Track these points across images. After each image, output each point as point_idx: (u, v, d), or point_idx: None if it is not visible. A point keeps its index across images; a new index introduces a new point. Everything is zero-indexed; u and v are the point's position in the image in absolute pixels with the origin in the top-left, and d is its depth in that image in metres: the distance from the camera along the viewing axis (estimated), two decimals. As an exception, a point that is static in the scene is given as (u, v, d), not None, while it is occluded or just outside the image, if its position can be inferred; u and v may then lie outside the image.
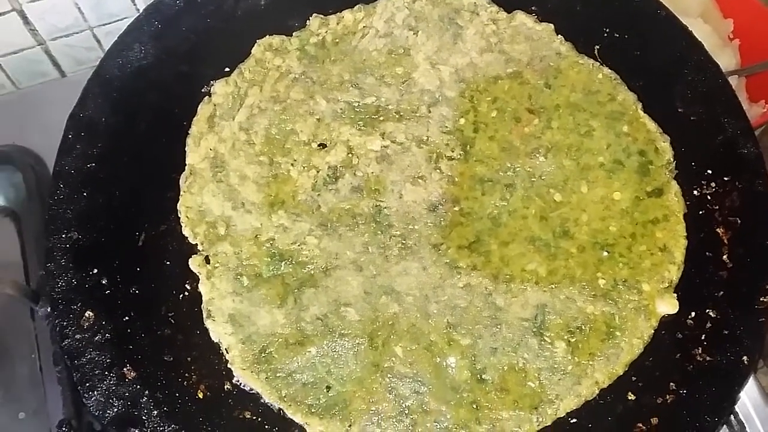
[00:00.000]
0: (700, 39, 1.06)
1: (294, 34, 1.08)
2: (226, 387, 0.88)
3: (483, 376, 0.87)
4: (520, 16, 1.08)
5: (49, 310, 1.02)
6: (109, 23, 1.32)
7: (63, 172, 0.96)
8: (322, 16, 1.09)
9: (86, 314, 0.89)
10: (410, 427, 0.85)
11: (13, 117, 1.28)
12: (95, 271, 0.92)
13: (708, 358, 0.87)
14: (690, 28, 1.07)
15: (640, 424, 0.85)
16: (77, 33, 1.31)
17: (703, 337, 0.88)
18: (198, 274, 0.93)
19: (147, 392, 0.86)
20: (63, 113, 1.13)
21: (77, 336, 0.88)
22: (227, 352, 0.89)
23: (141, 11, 1.09)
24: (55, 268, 0.91)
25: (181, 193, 0.98)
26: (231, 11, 1.09)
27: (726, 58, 1.36)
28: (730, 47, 1.41)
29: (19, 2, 1.22)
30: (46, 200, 1.00)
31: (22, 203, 1.18)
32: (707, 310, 0.89)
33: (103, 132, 0.99)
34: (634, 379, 0.87)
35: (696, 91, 1.00)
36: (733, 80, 1.27)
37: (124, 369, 0.87)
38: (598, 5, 1.08)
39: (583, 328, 0.88)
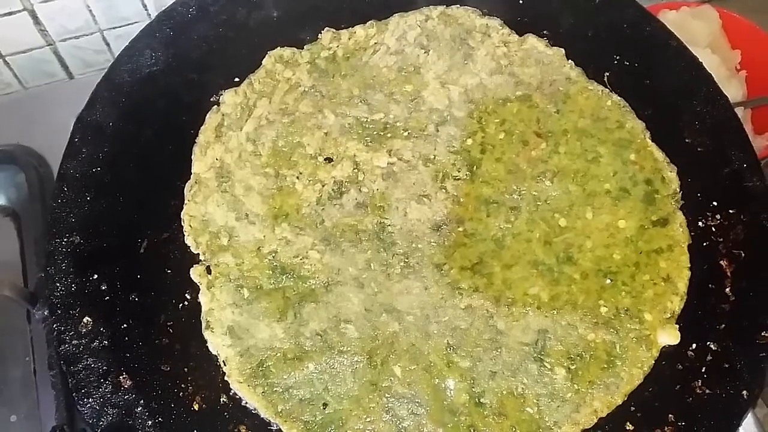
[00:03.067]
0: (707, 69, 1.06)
1: (305, 47, 1.09)
2: (222, 400, 0.87)
3: (481, 400, 0.86)
4: (532, 40, 1.08)
5: (46, 313, 1.01)
6: (120, 27, 1.32)
7: (68, 175, 0.96)
8: (334, 30, 1.09)
9: (84, 320, 0.88)
10: (406, 449, 0.85)
11: (19, 116, 1.28)
12: (95, 276, 0.91)
13: (707, 391, 0.86)
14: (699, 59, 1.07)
15: (638, 455, 0.84)
16: (87, 35, 1.32)
17: (703, 370, 0.88)
18: (198, 284, 0.93)
19: (142, 401, 0.85)
20: (69, 115, 1.13)
21: (74, 341, 0.87)
22: (225, 365, 0.89)
23: (153, 17, 1.09)
24: (56, 271, 0.90)
25: (186, 201, 0.97)
26: (243, 21, 1.09)
27: (733, 90, 1.37)
28: (737, 78, 1.41)
29: (31, 2, 1.22)
30: (49, 203, 1.00)
31: (23, 203, 1.18)
32: (708, 343, 0.89)
33: (109, 137, 0.99)
34: (632, 409, 0.87)
35: (704, 123, 1.00)
36: (738, 111, 1.27)
37: (121, 377, 0.86)
38: (609, 32, 1.08)
39: (584, 355, 0.88)
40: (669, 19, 1.42)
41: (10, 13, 1.23)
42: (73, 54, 1.34)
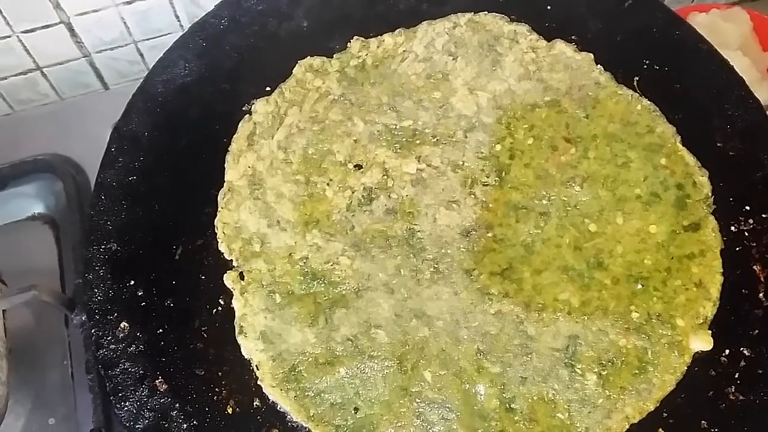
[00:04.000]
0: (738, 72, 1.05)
1: (335, 55, 1.10)
2: (255, 403, 0.89)
3: (512, 405, 0.86)
4: (560, 45, 1.08)
5: (84, 318, 1.05)
6: (153, 38, 1.35)
7: (105, 184, 0.98)
8: (362, 39, 1.10)
9: (121, 325, 0.90)
10: (437, 453, 0.85)
11: (56, 126, 1.31)
12: (132, 282, 0.93)
13: (741, 397, 0.86)
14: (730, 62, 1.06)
15: (670, 462, 0.84)
16: (122, 46, 1.35)
17: (736, 376, 0.87)
18: (232, 289, 0.94)
19: (177, 405, 0.87)
20: (104, 124, 1.16)
21: (112, 346, 0.89)
22: (257, 369, 0.90)
23: (186, 29, 1.12)
24: (94, 278, 0.93)
25: (219, 209, 0.99)
26: (274, 31, 1.10)
27: (764, 92, 1.34)
28: (769, 81, 1.40)
29: (67, 15, 1.26)
30: (87, 211, 1.03)
31: (61, 211, 1.21)
32: (741, 348, 0.88)
33: (145, 146, 1.01)
34: (665, 415, 0.86)
35: (735, 127, 1.00)
36: (771, 114, 1.26)
37: (156, 381, 0.88)
38: (638, 36, 1.08)
39: (615, 361, 0.88)
40: (699, 21, 1.41)
41: (47, 26, 1.26)
42: (108, 65, 1.38)
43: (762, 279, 0.91)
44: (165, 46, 1.10)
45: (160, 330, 0.91)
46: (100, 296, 0.92)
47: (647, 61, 1.06)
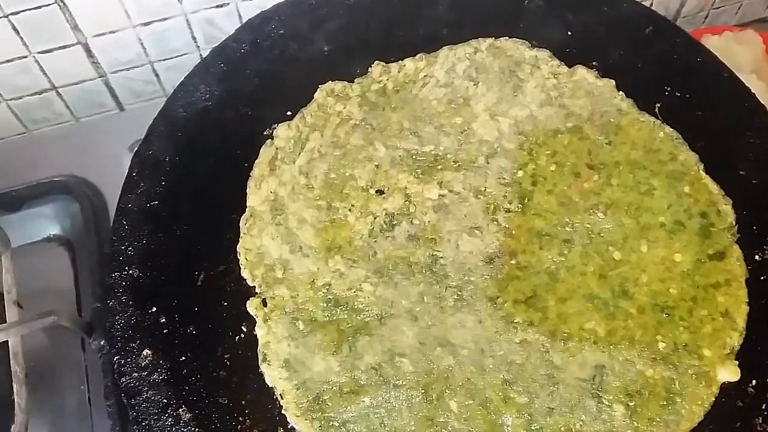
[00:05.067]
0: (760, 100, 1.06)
1: (356, 80, 1.10)
2: (279, 433, 0.88)
3: (540, 437, 0.86)
4: (581, 71, 1.09)
5: (102, 343, 1.04)
6: (169, 58, 1.34)
7: (126, 209, 0.98)
8: (383, 63, 1.11)
9: (144, 352, 0.90)
10: (464, 485, 0.84)
11: (71, 147, 1.30)
12: (154, 309, 0.92)
13: (768, 429, 0.86)
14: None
15: (699, 494, 0.83)
16: (138, 67, 1.34)
17: (763, 407, 0.86)
18: (255, 316, 0.94)
19: (201, 434, 0.86)
20: (120, 145, 1.16)
21: (135, 374, 0.88)
22: (281, 398, 0.89)
23: (203, 50, 1.12)
24: (115, 304, 0.92)
25: (241, 234, 0.98)
26: (295, 56, 1.10)
27: (780, 116, 1.35)
28: (784, 104, 1.40)
29: (85, 36, 1.26)
30: (104, 234, 1.02)
31: (77, 233, 1.20)
32: (768, 379, 0.88)
33: (166, 171, 1.01)
34: (692, 446, 0.86)
35: (759, 155, 1.00)
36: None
37: (180, 410, 0.87)
38: (659, 63, 1.08)
39: (643, 392, 0.87)
40: (712, 44, 1.42)
41: (64, 47, 1.26)
42: (123, 85, 1.37)
43: (787, 309, 0.91)
44: (181, 67, 1.10)
45: (183, 358, 0.90)
46: (122, 323, 0.91)
47: (668, 88, 1.07)
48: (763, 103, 1.06)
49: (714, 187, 0.99)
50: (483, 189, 1.02)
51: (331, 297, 0.95)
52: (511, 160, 1.03)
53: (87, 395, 1.07)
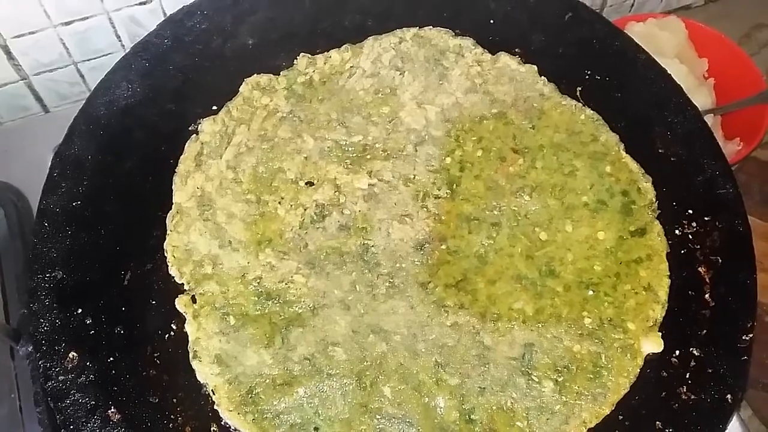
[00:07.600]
0: (676, 79, 1.09)
1: (282, 73, 1.09)
2: (212, 429, 0.87)
3: (471, 417, 0.87)
4: (504, 58, 1.10)
5: (30, 349, 1.01)
6: (94, 58, 1.32)
7: (48, 211, 0.95)
8: (309, 55, 1.10)
9: (70, 355, 0.88)
10: (399, 469, 0.85)
11: (-5, 152, 1.27)
12: (80, 310, 0.90)
13: (692, 397, 0.88)
14: (667, 70, 1.09)
15: (628, 464, 0.85)
16: (61, 68, 1.31)
17: (687, 376, 0.89)
18: (184, 313, 0.92)
19: (132, 435, 0.85)
20: (45, 148, 1.13)
21: (61, 377, 0.86)
22: (213, 393, 0.88)
23: (129, 49, 1.10)
24: (39, 308, 0.90)
25: (168, 231, 0.97)
26: (219, 50, 1.09)
27: (702, 97, 1.40)
28: (706, 86, 1.45)
29: (4, 38, 1.22)
30: (30, 239, 0.99)
31: (2, 239, 1.16)
32: (691, 349, 0.90)
33: (89, 170, 0.99)
34: (620, 418, 0.88)
35: (676, 133, 1.03)
36: (708, 119, 1.30)
37: (109, 411, 0.85)
38: (579, 47, 1.10)
39: (570, 367, 0.89)
40: (636, 31, 1.46)
41: (-18, 50, 1.23)
42: (47, 87, 1.34)
43: (707, 280, 0.94)
44: (106, 67, 1.07)
45: (111, 358, 0.88)
46: (47, 326, 0.89)
47: (589, 72, 1.09)
48: (682, 84, 1.09)
49: (634, 165, 1.02)
50: (412, 177, 1.02)
51: (262, 290, 0.94)
52: (438, 148, 1.04)
53: (18, 403, 1.04)
